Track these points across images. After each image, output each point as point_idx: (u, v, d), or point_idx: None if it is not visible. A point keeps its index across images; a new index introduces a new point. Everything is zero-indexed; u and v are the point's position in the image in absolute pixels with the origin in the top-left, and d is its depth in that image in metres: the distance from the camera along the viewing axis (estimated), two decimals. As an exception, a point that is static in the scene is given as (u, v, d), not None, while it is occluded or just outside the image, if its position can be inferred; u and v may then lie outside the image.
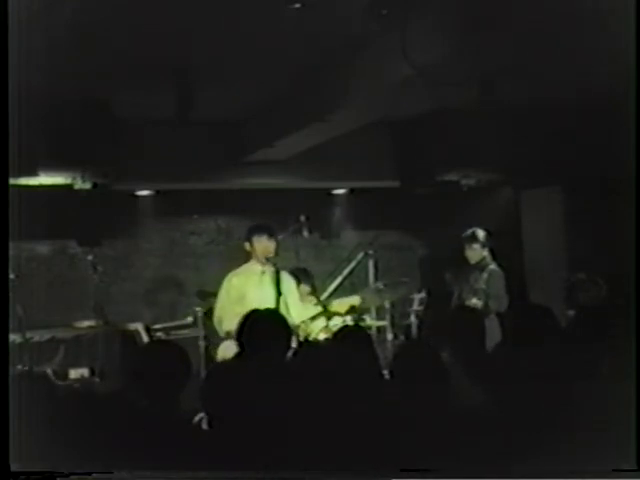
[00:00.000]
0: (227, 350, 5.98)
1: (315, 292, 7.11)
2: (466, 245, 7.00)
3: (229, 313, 5.91)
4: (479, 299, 6.67)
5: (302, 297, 6.77)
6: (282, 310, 5.74)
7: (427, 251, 9.73)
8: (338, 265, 8.06)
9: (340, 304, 6.76)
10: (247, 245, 6.19)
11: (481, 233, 6.99)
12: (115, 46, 5.02)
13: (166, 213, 8.69)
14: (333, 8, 4.55)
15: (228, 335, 5.81)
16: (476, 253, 6.96)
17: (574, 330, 4.66)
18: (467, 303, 6.67)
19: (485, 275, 6.82)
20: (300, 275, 6.84)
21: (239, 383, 3.65)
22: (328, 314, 6.47)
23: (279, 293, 6.05)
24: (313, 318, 6.33)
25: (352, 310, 6.78)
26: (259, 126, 7.43)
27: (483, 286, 6.75)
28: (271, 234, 6.15)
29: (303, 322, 6.22)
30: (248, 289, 6.12)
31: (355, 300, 6.82)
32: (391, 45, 4.57)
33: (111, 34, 4.82)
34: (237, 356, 4.27)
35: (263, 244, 6.10)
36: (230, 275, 6.30)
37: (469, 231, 7.02)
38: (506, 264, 7.02)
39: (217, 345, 6.25)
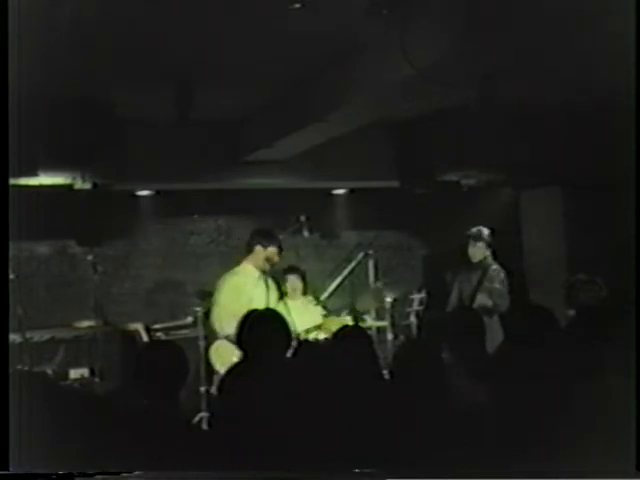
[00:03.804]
0: (220, 349, 6.01)
1: (306, 290, 7.11)
2: (470, 243, 6.99)
3: (227, 312, 5.93)
4: (489, 297, 6.66)
5: (293, 294, 6.79)
6: (283, 312, 5.77)
7: (427, 251, 9.73)
8: (338, 265, 8.05)
9: (334, 321, 6.71)
10: (259, 248, 6.22)
11: (486, 232, 6.98)
12: (115, 46, 5.02)
13: (166, 213, 8.69)
14: (333, 8, 4.55)
15: (227, 335, 5.84)
16: (479, 252, 6.95)
17: (574, 330, 4.66)
18: (477, 302, 6.65)
19: (502, 275, 6.80)
20: (289, 272, 6.84)
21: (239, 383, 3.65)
22: (324, 326, 6.45)
23: (275, 296, 6.11)
24: (307, 331, 6.34)
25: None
26: (259, 126, 7.43)
27: (497, 285, 6.74)
28: (281, 246, 6.26)
29: (306, 330, 6.25)
30: (248, 290, 6.15)
31: (348, 321, 6.80)
32: (391, 45, 4.57)
33: (111, 34, 4.82)
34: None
35: (276, 255, 6.21)
36: (228, 274, 6.34)
37: (474, 229, 7.01)
38: (506, 264, 7.02)
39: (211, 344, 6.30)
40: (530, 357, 3.90)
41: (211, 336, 6.62)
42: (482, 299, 6.64)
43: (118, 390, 6.06)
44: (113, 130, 6.81)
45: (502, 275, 6.85)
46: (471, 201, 8.70)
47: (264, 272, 6.24)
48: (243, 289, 6.17)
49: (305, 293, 6.98)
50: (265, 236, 6.29)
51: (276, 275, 6.43)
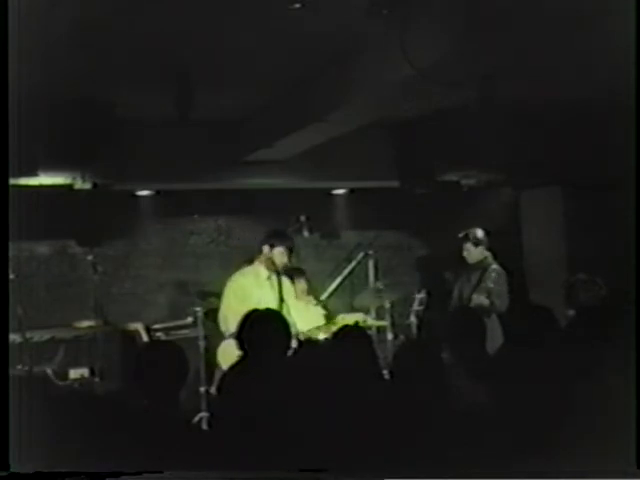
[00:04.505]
0: (228, 348, 6.01)
1: (312, 290, 7.12)
2: (465, 245, 7.01)
3: (234, 312, 5.93)
4: (487, 297, 6.65)
5: (298, 294, 6.80)
6: (284, 312, 5.77)
7: (427, 251, 9.73)
8: (338, 265, 8.06)
9: (344, 319, 6.73)
10: (266, 249, 6.21)
11: (473, 233, 6.98)
12: (115, 46, 5.02)
13: (166, 213, 8.69)
14: (333, 8, 4.55)
15: (232, 334, 5.84)
16: (471, 253, 6.96)
17: (574, 330, 4.66)
18: (474, 301, 6.64)
19: (493, 275, 6.79)
20: (294, 273, 6.86)
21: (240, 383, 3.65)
22: (332, 324, 6.47)
23: (282, 297, 6.11)
24: (318, 328, 6.35)
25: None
26: (259, 126, 7.43)
27: (490, 285, 6.73)
28: (292, 250, 6.24)
29: (307, 331, 6.25)
30: (254, 291, 6.15)
31: (360, 317, 6.80)
32: (391, 45, 4.57)
33: (111, 34, 4.82)
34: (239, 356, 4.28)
35: (284, 257, 6.19)
36: (237, 274, 6.34)
37: (463, 232, 7.04)
38: (506, 264, 7.02)
39: (218, 344, 6.27)
40: (530, 357, 3.90)
41: (211, 336, 6.62)
42: (479, 299, 6.63)
43: (118, 390, 6.07)
44: (113, 130, 6.81)
45: (500, 275, 6.84)
46: (471, 201, 8.70)
47: (277, 273, 6.22)
48: (250, 289, 6.17)
49: (309, 293, 7.01)
50: (275, 237, 6.28)
51: (283, 275, 6.42)
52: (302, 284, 7.02)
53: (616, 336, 3.80)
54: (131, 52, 5.18)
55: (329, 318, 6.79)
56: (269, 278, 6.22)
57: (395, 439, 3.22)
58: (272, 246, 6.21)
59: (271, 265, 6.19)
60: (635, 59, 3.45)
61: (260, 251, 6.28)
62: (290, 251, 6.25)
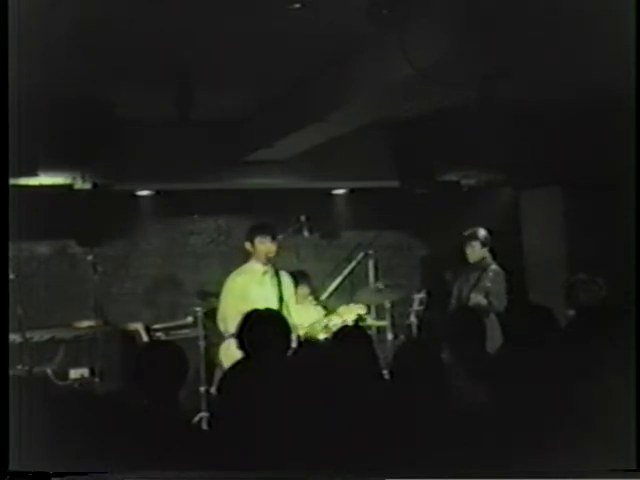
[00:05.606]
0: (229, 348, 6.01)
1: (313, 293, 7.13)
2: (466, 244, 7.00)
3: (233, 311, 5.91)
4: (484, 297, 6.64)
5: (300, 299, 6.80)
6: (283, 310, 5.76)
7: (427, 251, 9.74)
8: (338, 265, 8.06)
9: (347, 310, 6.71)
10: (248, 245, 6.21)
11: (481, 232, 6.99)
12: (115, 46, 5.02)
13: (166, 213, 8.70)
14: (333, 8, 4.55)
15: (232, 334, 5.84)
16: (475, 252, 6.95)
17: (574, 330, 4.66)
18: (472, 300, 6.64)
19: (491, 274, 6.79)
20: (298, 277, 6.86)
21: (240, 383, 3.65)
22: (329, 318, 6.47)
23: (280, 293, 6.10)
24: (317, 322, 6.34)
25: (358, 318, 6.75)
26: (259, 126, 7.43)
27: (488, 284, 6.72)
28: (274, 236, 6.18)
29: (307, 326, 6.24)
30: (251, 288, 6.14)
31: (362, 309, 6.78)
32: (391, 45, 4.57)
33: (112, 34, 4.82)
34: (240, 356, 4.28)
35: (266, 245, 6.14)
36: (233, 274, 6.32)
37: (469, 230, 7.03)
38: (506, 264, 7.02)
39: (218, 344, 6.27)
40: (530, 357, 3.90)
41: (211, 336, 6.62)
42: (477, 298, 6.63)
43: (118, 390, 6.07)
44: (113, 130, 6.81)
45: (498, 275, 6.83)
46: (471, 201, 8.70)
47: (266, 269, 6.20)
48: (248, 287, 6.16)
49: (310, 294, 7.02)
50: (253, 230, 6.25)
51: (281, 273, 6.40)
52: (304, 288, 7.00)
53: (616, 336, 3.79)
54: (131, 52, 5.18)
55: (328, 317, 6.77)
56: (266, 274, 6.19)
57: (395, 439, 3.22)
58: (253, 239, 6.18)
59: (263, 259, 6.16)
60: (635, 59, 3.45)
61: (245, 250, 6.26)
62: (273, 238, 6.18)
